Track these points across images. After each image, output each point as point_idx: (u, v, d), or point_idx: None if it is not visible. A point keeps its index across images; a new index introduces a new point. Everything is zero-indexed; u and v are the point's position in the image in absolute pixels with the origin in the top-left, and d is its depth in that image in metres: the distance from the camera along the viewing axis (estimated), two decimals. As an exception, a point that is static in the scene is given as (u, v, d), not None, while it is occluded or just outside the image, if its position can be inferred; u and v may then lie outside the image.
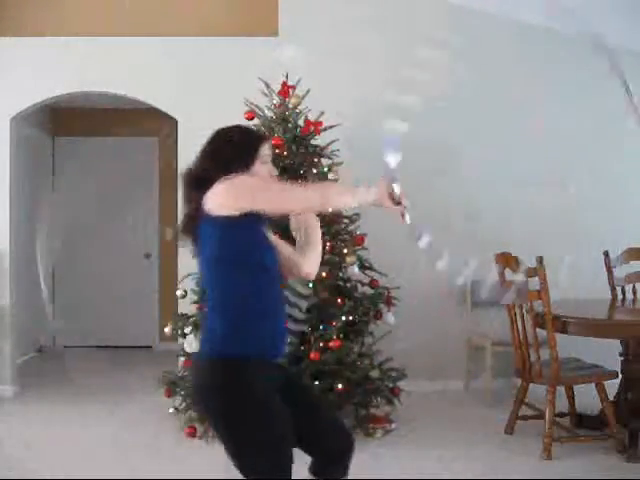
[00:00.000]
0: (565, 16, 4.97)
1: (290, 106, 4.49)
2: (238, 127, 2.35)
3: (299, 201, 2.16)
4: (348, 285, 4.48)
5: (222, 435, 2.16)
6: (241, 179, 2.12)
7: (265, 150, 2.27)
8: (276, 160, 4.36)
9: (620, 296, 4.71)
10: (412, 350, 5.02)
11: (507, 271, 4.09)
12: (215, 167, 2.18)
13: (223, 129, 2.32)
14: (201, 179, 2.16)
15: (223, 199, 2.07)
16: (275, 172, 2.30)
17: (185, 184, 2.24)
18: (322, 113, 4.50)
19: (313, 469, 2.38)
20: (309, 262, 2.37)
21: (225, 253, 2.11)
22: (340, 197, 2.24)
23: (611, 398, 4.01)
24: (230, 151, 2.22)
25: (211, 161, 2.21)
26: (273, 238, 2.30)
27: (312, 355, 4.01)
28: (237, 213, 2.07)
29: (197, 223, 2.15)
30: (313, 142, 4.54)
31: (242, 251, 2.11)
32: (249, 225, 2.11)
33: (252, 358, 2.10)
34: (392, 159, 2.33)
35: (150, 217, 7.13)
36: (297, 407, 2.21)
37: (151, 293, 7.26)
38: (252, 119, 4.52)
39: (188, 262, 4.71)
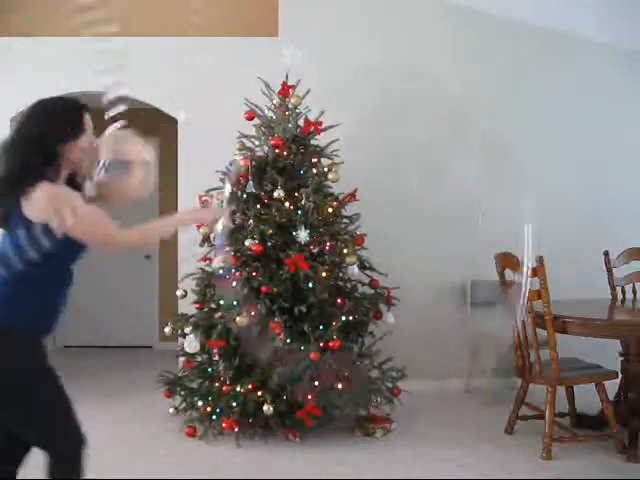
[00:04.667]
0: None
1: (290, 106, 4.49)
2: (58, 98, 2.38)
3: (121, 243, 2.35)
4: (348, 285, 4.48)
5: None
6: (67, 198, 2.18)
7: (87, 120, 2.33)
8: (276, 160, 4.39)
9: (620, 296, 4.71)
10: (412, 350, 5.03)
11: (507, 271, 4.09)
12: (45, 136, 2.21)
13: (43, 101, 2.33)
14: (30, 150, 2.18)
15: (43, 213, 2.13)
16: (95, 142, 2.35)
17: (9, 154, 2.23)
18: (322, 113, 4.50)
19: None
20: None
21: (30, 255, 2.18)
22: (159, 233, 2.52)
23: (611, 398, 4.01)
24: (55, 121, 2.26)
25: (43, 130, 2.23)
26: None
27: (312, 355, 4.01)
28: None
29: (9, 213, 2.19)
30: (313, 142, 4.54)
31: (46, 254, 2.18)
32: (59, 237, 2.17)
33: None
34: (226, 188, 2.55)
35: (150, 217, 7.10)
36: None
37: (151, 293, 7.26)
38: (252, 119, 4.52)
39: (188, 262, 4.76)
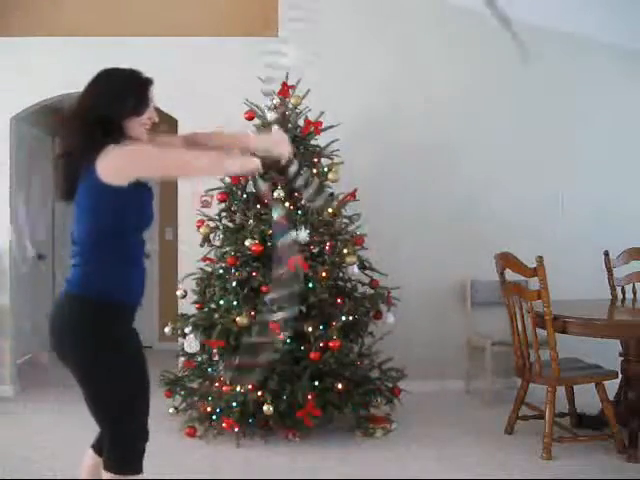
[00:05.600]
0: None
1: (290, 106, 4.49)
2: (124, 69, 2.30)
3: (194, 170, 2.31)
4: (348, 285, 4.48)
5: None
6: (139, 148, 2.19)
7: (151, 94, 2.29)
8: (276, 160, 4.38)
9: (620, 296, 4.71)
10: (412, 350, 5.03)
11: (507, 271, 4.09)
12: (108, 110, 2.17)
13: (107, 71, 2.28)
14: (92, 124, 2.14)
15: (119, 166, 2.11)
16: (156, 118, 2.31)
17: (71, 127, 2.21)
18: (322, 113, 4.50)
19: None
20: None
21: (106, 221, 2.16)
22: (234, 162, 2.33)
23: (611, 398, 4.01)
24: (121, 95, 2.21)
25: (106, 104, 2.19)
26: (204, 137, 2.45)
27: (312, 355, 4.01)
28: (126, 183, 2.12)
29: (76, 182, 2.17)
30: (313, 142, 4.54)
31: (120, 218, 2.17)
32: (135, 194, 2.17)
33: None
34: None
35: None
36: None
37: (151, 293, 7.25)
38: (252, 119, 4.52)
39: (188, 262, 4.76)
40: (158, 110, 2.28)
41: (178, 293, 4.55)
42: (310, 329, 4.07)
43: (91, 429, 2.41)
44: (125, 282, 2.22)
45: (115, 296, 2.20)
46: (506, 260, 4.05)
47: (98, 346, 2.16)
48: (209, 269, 4.46)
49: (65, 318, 2.20)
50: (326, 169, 4.45)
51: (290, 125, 4.46)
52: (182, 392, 4.38)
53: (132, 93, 2.22)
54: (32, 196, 6.41)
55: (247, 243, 4.18)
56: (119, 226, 2.18)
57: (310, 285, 4.13)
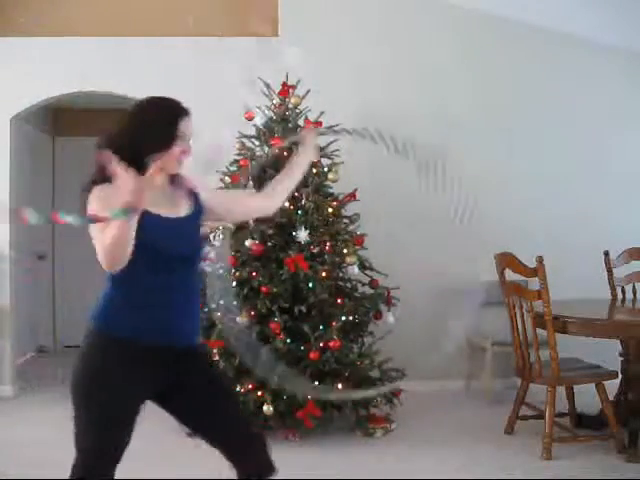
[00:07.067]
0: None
1: (290, 106, 4.49)
2: (157, 100, 2.22)
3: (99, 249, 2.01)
4: (348, 285, 4.48)
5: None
6: (92, 198, 2.10)
7: (184, 126, 2.16)
8: (276, 160, 4.38)
9: (620, 296, 4.71)
10: (412, 350, 5.03)
11: (507, 271, 4.09)
12: (135, 143, 2.10)
13: (140, 102, 2.21)
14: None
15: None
16: (190, 149, 2.19)
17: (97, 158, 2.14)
18: (322, 113, 4.50)
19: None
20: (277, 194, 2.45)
21: None
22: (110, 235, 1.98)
23: (611, 398, 4.01)
24: (147, 129, 2.13)
25: (133, 137, 2.12)
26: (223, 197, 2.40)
27: (312, 355, 4.01)
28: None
29: None
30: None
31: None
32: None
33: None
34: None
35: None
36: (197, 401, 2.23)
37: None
38: (252, 119, 4.52)
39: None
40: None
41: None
42: (310, 329, 4.07)
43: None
44: (130, 318, 2.11)
45: (114, 330, 2.11)
46: (506, 260, 4.05)
47: (83, 372, 2.13)
48: (209, 269, 4.46)
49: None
50: (326, 169, 4.45)
51: (290, 125, 4.46)
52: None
53: (161, 127, 2.13)
54: (32, 196, 6.41)
55: (247, 243, 4.18)
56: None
57: (310, 285, 4.13)
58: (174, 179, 2.25)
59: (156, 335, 2.11)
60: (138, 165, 2.03)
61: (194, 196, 2.26)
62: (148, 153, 2.09)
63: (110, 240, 1.92)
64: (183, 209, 2.21)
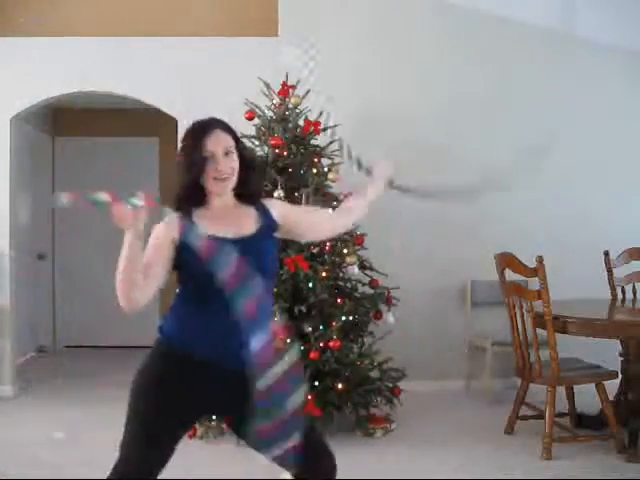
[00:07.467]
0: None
1: (290, 106, 4.49)
2: (190, 125, 2.19)
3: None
4: (348, 285, 4.48)
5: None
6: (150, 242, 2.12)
7: (209, 143, 2.10)
8: (276, 160, 4.39)
9: (620, 296, 4.71)
10: (412, 350, 5.03)
11: (507, 271, 4.09)
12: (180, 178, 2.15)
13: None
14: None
15: None
16: (222, 166, 2.11)
17: None
18: (322, 113, 4.50)
19: None
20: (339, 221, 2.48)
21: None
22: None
23: (611, 398, 4.01)
24: (183, 159, 2.13)
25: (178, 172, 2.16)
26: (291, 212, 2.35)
27: (312, 355, 4.01)
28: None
29: None
30: (313, 142, 4.54)
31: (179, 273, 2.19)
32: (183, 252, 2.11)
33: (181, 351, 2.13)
34: None
35: (150, 217, 7.10)
36: None
37: (151, 293, 7.24)
38: (252, 119, 4.52)
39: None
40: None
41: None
42: (310, 329, 4.07)
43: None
44: (184, 332, 2.16)
45: (173, 344, 2.16)
46: (506, 260, 4.05)
47: (138, 377, 2.17)
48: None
49: None
50: (326, 169, 4.45)
51: (290, 125, 4.46)
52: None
53: (187, 153, 2.12)
54: (32, 196, 6.41)
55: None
56: (180, 279, 2.20)
57: (310, 285, 4.13)
58: (246, 199, 2.22)
59: (209, 352, 2.11)
60: (199, 194, 2.12)
61: (265, 213, 2.23)
62: (193, 181, 2.11)
63: (118, 277, 2.01)
64: (248, 228, 2.17)
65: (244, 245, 2.08)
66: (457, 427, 4.45)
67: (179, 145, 2.17)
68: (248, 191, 2.22)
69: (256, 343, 1.99)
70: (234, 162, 2.15)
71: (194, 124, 2.17)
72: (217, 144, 2.12)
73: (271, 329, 2.06)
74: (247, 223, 2.18)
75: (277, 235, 2.25)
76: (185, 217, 2.11)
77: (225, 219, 2.15)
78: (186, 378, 2.11)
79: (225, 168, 2.11)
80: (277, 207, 2.28)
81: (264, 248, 2.17)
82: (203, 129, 2.14)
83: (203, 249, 2.00)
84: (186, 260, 2.08)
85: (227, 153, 2.13)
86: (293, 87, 4.50)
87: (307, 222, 2.39)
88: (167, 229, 2.12)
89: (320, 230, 2.48)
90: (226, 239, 2.07)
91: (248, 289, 2.01)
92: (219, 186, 2.13)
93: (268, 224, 2.21)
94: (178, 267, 2.15)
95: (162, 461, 2.15)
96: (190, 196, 2.14)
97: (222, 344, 2.09)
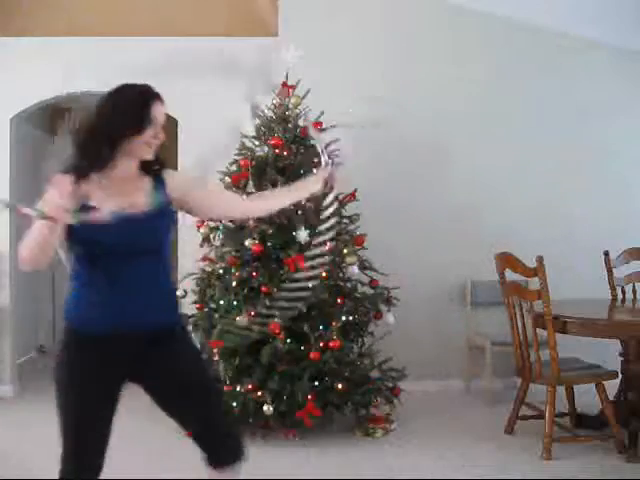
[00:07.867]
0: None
1: (290, 106, 4.49)
2: (129, 85, 2.21)
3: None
4: (348, 285, 4.48)
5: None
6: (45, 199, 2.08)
7: (156, 111, 2.17)
8: (276, 160, 4.39)
9: (620, 296, 4.71)
10: (412, 350, 5.03)
11: (507, 271, 4.08)
12: (107, 128, 2.12)
13: (114, 88, 2.20)
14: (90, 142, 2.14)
15: None
16: (162, 136, 2.20)
17: (74, 142, 2.21)
18: (322, 113, 4.50)
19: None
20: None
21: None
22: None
23: (611, 398, 4.01)
24: (118, 113, 2.13)
25: (106, 122, 2.14)
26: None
27: (312, 355, 4.01)
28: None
29: None
30: (313, 142, 4.53)
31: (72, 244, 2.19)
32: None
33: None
34: None
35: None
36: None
37: (151, 293, 7.24)
38: (252, 119, 4.52)
39: (188, 262, 4.76)
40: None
41: (178, 293, 4.55)
42: (310, 329, 4.07)
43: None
44: (80, 310, 2.20)
45: (73, 322, 2.22)
46: (506, 260, 4.05)
47: (57, 363, 2.29)
48: (209, 269, 4.46)
49: None
50: (326, 169, 4.43)
51: (290, 125, 4.46)
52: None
53: (132, 110, 2.14)
54: (32, 196, 6.41)
55: (247, 243, 4.18)
56: (74, 252, 2.20)
57: (310, 284, 4.12)
58: (144, 166, 2.25)
59: (111, 324, 2.17)
60: (111, 150, 2.12)
61: (161, 185, 2.25)
62: (121, 137, 2.12)
63: (32, 240, 2.07)
64: (143, 201, 2.16)
65: (133, 220, 2.11)
66: (457, 427, 4.45)
67: (111, 101, 2.16)
68: (155, 163, 2.27)
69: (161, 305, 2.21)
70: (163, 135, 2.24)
71: (142, 86, 2.22)
72: (161, 113, 2.21)
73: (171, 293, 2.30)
74: (142, 196, 2.18)
75: (172, 208, 2.28)
76: (77, 182, 2.09)
77: (120, 190, 2.16)
78: (93, 356, 2.21)
79: (162, 136, 2.21)
80: (173, 178, 2.31)
81: (154, 224, 2.20)
82: (153, 95, 2.21)
83: (91, 221, 2.04)
84: (74, 230, 2.10)
85: (161, 124, 2.22)
86: (293, 87, 4.50)
87: (208, 198, 2.43)
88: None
89: (226, 209, 2.52)
90: (116, 213, 2.07)
91: (146, 261, 2.16)
92: (146, 151, 2.18)
93: (161, 199, 2.21)
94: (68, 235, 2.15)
95: (103, 438, 2.36)
96: (99, 157, 2.13)
97: (117, 314, 2.16)
